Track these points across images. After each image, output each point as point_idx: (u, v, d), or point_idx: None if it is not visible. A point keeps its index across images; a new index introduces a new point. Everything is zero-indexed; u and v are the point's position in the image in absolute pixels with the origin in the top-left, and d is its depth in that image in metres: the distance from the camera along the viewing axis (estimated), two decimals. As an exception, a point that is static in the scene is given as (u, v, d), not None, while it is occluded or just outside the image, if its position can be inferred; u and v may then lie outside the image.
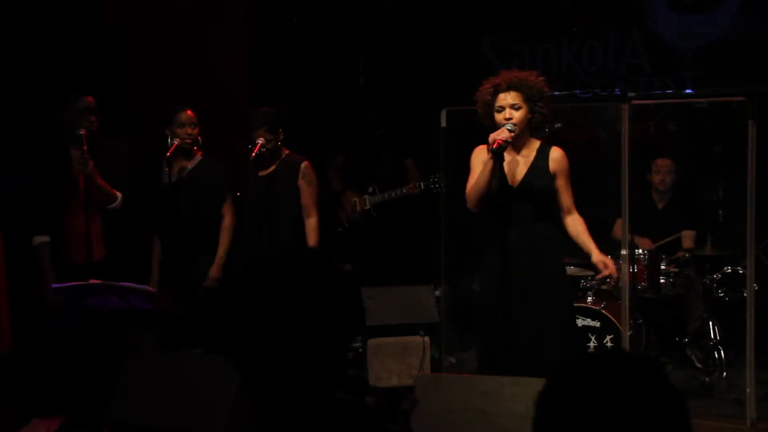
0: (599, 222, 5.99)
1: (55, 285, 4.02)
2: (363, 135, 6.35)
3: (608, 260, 4.13)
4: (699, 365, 5.53)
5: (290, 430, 1.45)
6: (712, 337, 5.51)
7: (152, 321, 4.42)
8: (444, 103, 5.21)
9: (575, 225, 4.16)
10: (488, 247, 4.12)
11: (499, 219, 4.02)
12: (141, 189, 4.97)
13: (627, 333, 4.89)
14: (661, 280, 5.53)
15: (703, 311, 5.59)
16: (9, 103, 5.13)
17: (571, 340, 4.18)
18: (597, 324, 5.28)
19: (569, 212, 4.17)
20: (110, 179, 4.68)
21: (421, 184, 5.97)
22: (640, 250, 5.46)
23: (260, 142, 4.83)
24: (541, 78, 4.05)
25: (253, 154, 4.79)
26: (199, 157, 4.99)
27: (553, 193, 4.11)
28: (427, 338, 5.42)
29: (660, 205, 6.03)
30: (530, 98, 3.98)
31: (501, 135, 3.88)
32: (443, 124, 5.19)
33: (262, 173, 4.97)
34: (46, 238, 4.63)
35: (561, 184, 4.10)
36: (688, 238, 5.91)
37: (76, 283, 3.95)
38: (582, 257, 5.87)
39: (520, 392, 3.02)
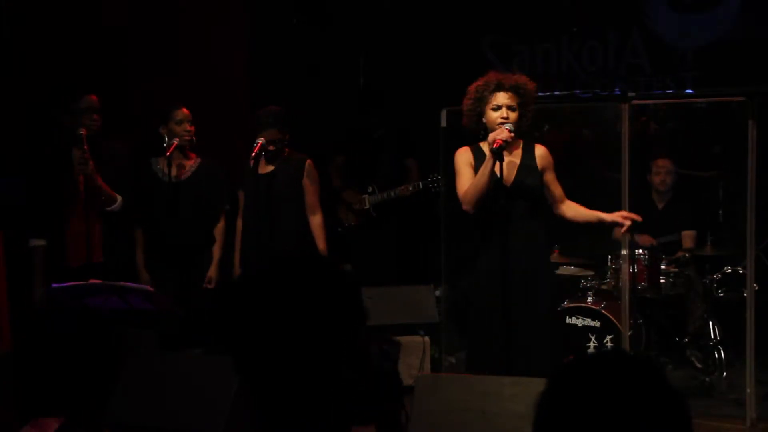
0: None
1: (55, 285, 4.01)
2: (363, 135, 6.35)
3: (621, 213, 4.16)
4: (699, 365, 5.53)
5: (290, 430, 1.45)
6: (712, 337, 5.51)
7: (152, 321, 4.43)
8: (444, 103, 5.22)
9: (573, 207, 4.22)
10: (481, 246, 4.13)
11: (494, 218, 4.03)
12: (139, 188, 4.97)
13: (627, 333, 4.89)
14: (661, 280, 5.53)
15: (703, 311, 5.58)
16: (9, 103, 5.13)
17: (556, 336, 4.25)
18: (597, 324, 5.28)
19: (562, 201, 4.21)
20: (110, 180, 4.68)
21: (419, 184, 5.97)
22: (640, 250, 5.46)
23: (260, 142, 4.83)
24: (534, 84, 4.10)
25: (253, 153, 4.79)
26: (197, 158, 4.98)
27: (543, 191, 4.14)
28: (427, 338, 5.42)
29: (660, 205, 6.03)
30: (523, 103, 4.02)
31: (501, 135, 3.88)
32: (443, 124, 5.20)
33: (262, 171, 4.96)
34: (42, 242, 4.62)
35: (549, 177, 4.15)
36: (688, 238, 5.91)
37: (76, 283, 3.95)
38: (582, 257, 5.90)
39: (520, 392, 3.02)
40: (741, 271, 5.40)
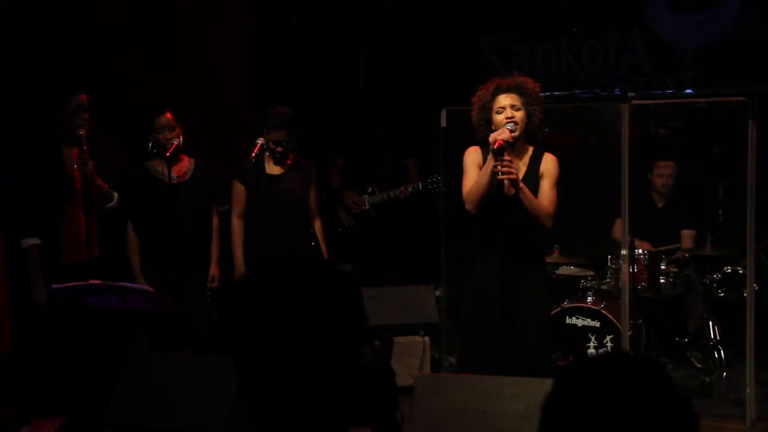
0: (599, 222, 6.02)
1: (55, 285, 4.01)
2: (363, 135, 6.35)
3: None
4: (699, 365, 5.53)
5: (290, 430, 1.45)
6: (712, 337, 5.50)
7: (152, 321, 4.43)
8: (444, 103, 5.22)
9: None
10: (480, 248, 4.13)
11: (494, 223, 4.03)
12: (134, 190, 4.97)
13: (627, 333, 4.89)
14: (661, 280, 5.53)
15: (703, 311, 5.58)
16: (9, 103, 5.13)
17: (550, 339, 4.27)
18: (597, 324, 5.28)
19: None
20: (106, 179, 4.68)
21: (418, 184, 5.98)
22: (640, 251, 5.46)
23: (260, 142, 4.83)
24: (537, 84, 4.06)
25: (253, 153, 4.79)
26: (190, 159, 4.99)
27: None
28: (427, 338, 5.42)
29: (660, 205, 6.02)
30: (528, 102, 3.99)
31: (502, 135, 3.87)
32: (443, 124, 5.20)
33: (270, 172, 4.98)
34: (36, 241, 4.62)
35: (544, 184, 4.06)
36: (687, 237, 5.91)
37: (76, 283, 3.95)
38: (582, 257, 5.90)
39: (520, 392, 3.02)
40: (741, 271, 5.40)
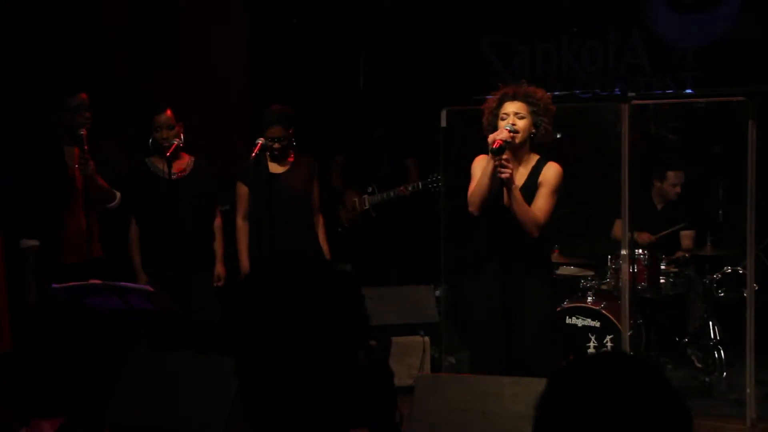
0: (599, 222, 6.02)
1: (55, 285, 4.01)
2: (363, 135, 6.35)
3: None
4: (699, 365, 5.53)
5: (290, 431, 1.45)
6: (712, 337, 5.51)
7: (152, 321, 4.43)
8: (444, 103, 5.21)
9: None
10: (484, 251, 4.13)
11: (495, 228, 4.04)
12: (135, 188, 4.97)
13: (627, 333, 4.89)
14: (661, 280, 5.53)
15: (703, 311, 5.59)
16: (9, 103, 5.13)
17: (558, 338, 4.29)
18: (597, 324, 5.28)
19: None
20: (107, 178, 4.68)
21: (418, 184, 5.98)
22: (640, 250, 5.46)
23: (260, 142, 4.83)
24: (548, 95, 4.05)
25: (253, 154, 4.79)
26: (190, 157, 4.99)
27: None
28: (427, 338, 5.42)
29: (659, 206, 6.03)
30: (535, 112, 3.98)
31: (500, 135, 3.88)
32: (443, 124, 5.20)
33: (273, 171, 4.98)
34: (34, 242, 4.62)
35: (541, 191, 4.03)
36: (687, 237, 5.91)
37: (76, 283, 3.95)
38: (582, 257, 5.91)
39: (520, 392, 3.02)
40: (741, 271, 5.40)
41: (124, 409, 3.28)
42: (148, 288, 4.08)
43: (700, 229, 5.88)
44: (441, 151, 5.28)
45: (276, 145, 4.94)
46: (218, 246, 5.03)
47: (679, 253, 5.73)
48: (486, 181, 3.95)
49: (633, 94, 4.86)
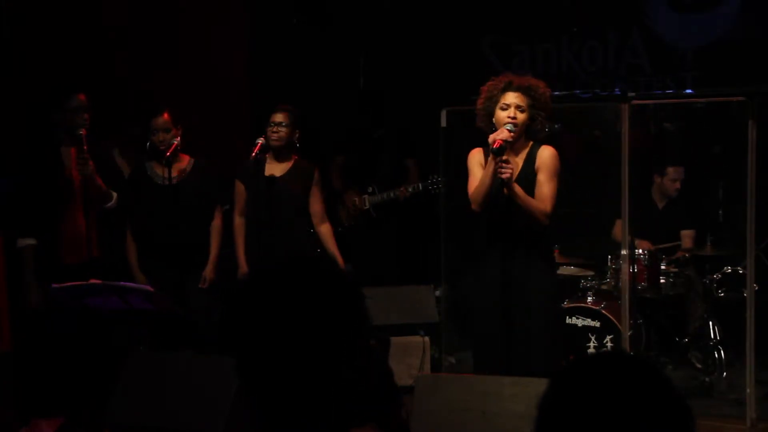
0: (599, 222, 6.02)
1: (55, 285, 4.01)
2: (363, 135, 6.35)
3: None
4: (699, 365, 5.53)
5: (291, 431, 1.45)
6: (712, 337, 5.50)
7: (152, 321, 4.42)
8: (444, 103, 5.22)
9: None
10: (486, 246, 4.13)
11: (497, 220, 4.04)
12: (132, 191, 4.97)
13: (627, 333, 4.89)
14: (661, 280, 5.53)
15: (703, 311, 5.58)
16: (9, 104, 5.13)
17: (559, 337, 4.26)
18: (597, 324, 5.28)
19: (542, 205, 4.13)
20: (105, 178, 4.68)
21: (419, 185, 5.98)
22: (640, 250, 5.46)
23: (260, 142, 4.83)
24: (548, 90, 4.07)
25: (253, 154, 4.79)
26: (190, 158, 4.98)
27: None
28: (427, 338, 5.41)
29: (660, 205, 6.03)
30: (534, 106, 4.00)
31: (501, 135, 3.88)
32: (443, 124, 5.20)
33: (270, 173, 4.96)
34: (31, 241, 4.61)
35: (540, 178, 4.06)
36: (687, 237, 5.92)
37: (76, 283, 3.95)
38: (582, 257, 5.91)
39: (520, 392, 3.03)
40: (741, 271, 5.40)
41: (124, 409, 3.28)
42: (148, 288, 4.08)
43: (700, 229, 5.88)
44: (441, 151, 5.28)
45: (276, 129, 4.89)
46: (212, 248, 4.96)
47: (679, 253, 5.73)
48: (488, 181, 3.96)
49: (633, 94, 4.86)
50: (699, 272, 5.68)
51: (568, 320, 5.33)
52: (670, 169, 5.94)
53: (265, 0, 6.85)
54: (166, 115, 4.83)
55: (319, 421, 1.45)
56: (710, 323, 5.53)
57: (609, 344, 5.22)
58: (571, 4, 6.73)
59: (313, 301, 1.44)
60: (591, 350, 5.26)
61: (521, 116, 3.98)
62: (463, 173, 4.21)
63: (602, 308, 5.30)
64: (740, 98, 4.79)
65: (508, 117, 3.95)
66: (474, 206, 4.08)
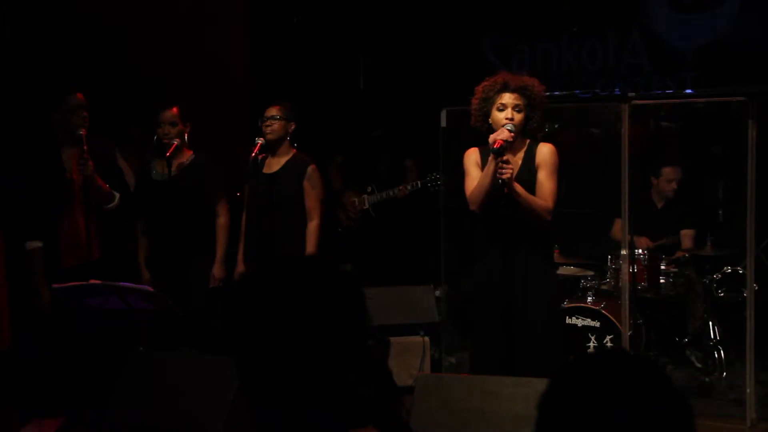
0: (599, 222, 6.02)
1: (55, 285, 4.01)
2: (363, 135, 6.35)
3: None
4: (699, 365, 5.53)
5: (290, 431, 1.45)
6: (712, 337, 5.50)
7: (152, 321, 4.43)
8: (444, 103, 5.21)
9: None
10: (486, 246, 4.13)
11: (497, 220, 4.04)
12: (138, 188, 4.98)
13: (627, 333, 4.89)
14: (661, 280, 5.53)
15: (703, 311, 5.58)
16: (10, 104, 5.13)
17: (559, 335, 4.25)
18: (597, 324, 5.28)
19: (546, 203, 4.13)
20: (106, 179, 4.68)
21: (417, 183, 5.97)
22: (640, 250, 5.46)
23: (260, 142, 4.82)
24: (543, 87, 4.07)
25: (253, 154, 4.79)
26: (190, 154, 4.97)
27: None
28: (427, 338, 5.41)
29: (659, 204, 6.03)
30: (530, 105, 4.01)
31: (501, 135, 3.88)
32: (443, 124, 5.19)
33: (267, 171, 4.95)
34: (39, 244, 4.62)
35: (540, 175, 4.06)
36: (687, 237, 5.92)
37: (76, 283, 3.95)
38: (582, 257, 5.91)
39: (520, 392, 3.03)
40: (741, 271, 5.40)
41: (124, 409, 3.29)
42: (148, 288, 4.08)
43: (700, 229, 5.88)
44: (441, 151, 5.28)
45: (268, 128, 4.84)
46: (219, 246, 4.97)
47: (679, 253, 5.73)
48: (487, 181, 3.96)
49: (633, 94, 4.86)
50: (699, 272, 5.68)
51: (568, 320, 5.33)
52: (666, 170, 5.94)
53: (265, 0, 6.85)
54: (175, 110, 4.84)
55: (319, 422, 1.45)
56: (710, 323, 5.53)
57: (609, 344, 5.22)
58: (571, 4, 6.73)
59: (313, 301, 1.45)
60: (591, 350, 5.26)
61: (518, 116, 3.98)
62: (463, 172, 4.21)
63: (602, 308, 5.30)
64: (740, 98, 4.79)
65: (506, 118, 3.96)
66: (472, 206, 4.08)
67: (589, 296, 5.48)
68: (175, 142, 4.78)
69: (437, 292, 5.57)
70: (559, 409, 1.31)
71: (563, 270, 5.85)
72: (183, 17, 6.26)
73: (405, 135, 6.35)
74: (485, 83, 4.07)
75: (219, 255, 4.96)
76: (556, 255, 5.63)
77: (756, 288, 4.84)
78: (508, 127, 3.91)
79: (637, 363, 1.34)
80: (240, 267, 5.00)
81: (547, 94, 4.15)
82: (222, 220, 5.00)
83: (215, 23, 6.48)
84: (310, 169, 4.95)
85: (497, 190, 3.97)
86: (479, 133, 4.12)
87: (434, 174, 5.80)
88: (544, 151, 4.09)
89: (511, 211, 3.99)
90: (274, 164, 4.97)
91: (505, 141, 3.87)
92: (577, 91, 6.40)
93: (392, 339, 5.21)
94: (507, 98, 3.99)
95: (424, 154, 5.97)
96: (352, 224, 6.26)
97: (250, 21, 6.74)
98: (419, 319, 5.37)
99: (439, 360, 5.54)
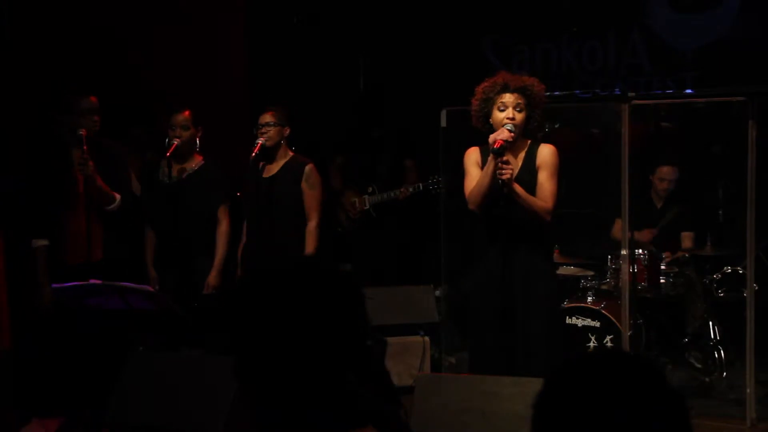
0: (599, 222, 6.02)
1: (55, 285, 4.01)
2: (363, 135, 6.35)
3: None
4: (699, 365, 5.53)
5: (290, 431, 1.45)
6: (712, 337, 5.50)
7: (152, 321, 4.42)
8: (444, 103, 5.21)
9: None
10: (486, 246, 4.13)
11: (497, 219, 4.04)
12: (145, 189, 4.99)
13: (627, 333, 4.89)
14: (661, 280, 5.53)
15: (703, 311, 5.58)
16: (9, 103, 5.13)
17: (559, 336, 4.25)
18: (597, 324, 5.28)
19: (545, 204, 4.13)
20: (109, 181, 4.68)
21: (419, 185, 5.97)
22: (640, 250, 5.45)
23: (259, 142, 4.82)
24: (542, 86, 4.07)
25: (253, 154, 4.79)
26: (200, 160, 4.97)
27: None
28: (427, 338, 5.42)
29: (659, 204, 6.03)
30: (531, 104, 4.00)
31: (501, 135, 3.88)
32: (443, 124, 5.19)
33: (265, 175, 4.94)
34: (44, 242, 4.62)
35: (541, 176, 4.06)
36: (687, 238, 5.92)
37: (76, 283, 3.95)
38: (582, 257, 5.91)
39: (520, 392, 3.03)
40: (741, 271, 5.40)
41: (124, 409, 3.28)
42: (149, 288, 4.09)
43: (700, 229, 5.88)
44: (441, 151, 5.28)
45: (264, 135, 4.82)
46: (218, 254, 4.91)
47: (680, 253, 5.73)
48: (487, 181, 3.96)
49: (633, 94, 4.86)
50: (699, 272, 5.69)
51: (568, 320, 5.33)
52: (661, 169, 5.95)
53: (265, 0, 6.85)
54: (187, 113, 4.84)
55: (319, 422, 1.45)
56: (710, 323, 5.53)
57: (609, 344, 5.22)
58: (571, 4, 6.73)
59: (312, 302, 1.45)
60: (590, 350, 5.26)
61: (519, 116, 3.98)
62: (463, 173, 4.21)
63: (602, 308, 5.30)
64: (740, 98, 4.79)
65: (507, 118, 3.95)
66: (471, 206, 4.08)
67: (589, 296, 5.47)
68: (175, 142, 4.78)
69: (437, 292, 5.57)
70: (553, 409, 1.31)
71: (563, 270, 5.85)
72: (183, 17, 6.25)
73: (405, 135, 6.35)
74: (485, 84, 4.07)
75: (216, 262, 4.90)
76: (556, 255, 5.63)
77: (756, 288, 4.84)
78: (508, 127, 3.91)
79: (632, 361, 1.34)
80: (240, 270, 5.00)
81: (547, 94, 4.15)
82: (223, 228, 4.96)
83: (215, 23, 6.48)
84: (308, 169, 4.93)
85: (496, 190, 3.97)
86: (479, 133, 4.12)
87: (436, 176, 5.80)
88: (545, 152, 4.09)
89: (511, 211, 3.99)
90: (273, 168, 4.96)
91: (505, 141, 3.87)
92: (577, 91, 6.40)
93: (392, 339, 5.22)
94: (508, 98, 3.99)
95: (424, 154, 5.97)
96: (352, 224, 6.26)
97: (250, 21, 6.74)
98: (419, 319, 5.37)
99: (439, 360, 5.54)
